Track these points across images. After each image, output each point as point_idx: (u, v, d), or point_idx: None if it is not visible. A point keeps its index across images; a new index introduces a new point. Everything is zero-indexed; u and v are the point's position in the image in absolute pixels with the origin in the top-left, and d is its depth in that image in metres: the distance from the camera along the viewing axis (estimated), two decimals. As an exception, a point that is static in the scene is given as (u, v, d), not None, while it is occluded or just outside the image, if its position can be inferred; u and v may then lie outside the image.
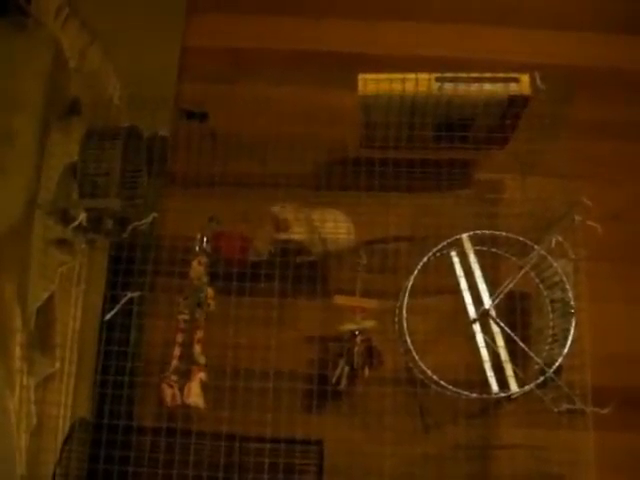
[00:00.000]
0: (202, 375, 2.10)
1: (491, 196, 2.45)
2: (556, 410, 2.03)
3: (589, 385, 2.02)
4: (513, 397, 2.08)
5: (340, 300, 2.19)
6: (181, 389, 2.10)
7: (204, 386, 2.11)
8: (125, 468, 2.01)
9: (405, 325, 2.08)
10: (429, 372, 2.03)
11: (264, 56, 2.74)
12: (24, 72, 2.08)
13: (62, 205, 2.13)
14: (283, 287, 2.21)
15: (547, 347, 2.13)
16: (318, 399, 2.19)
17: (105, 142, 2.17)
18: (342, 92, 2.26)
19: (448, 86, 2.16)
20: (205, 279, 2.18)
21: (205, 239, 2.21)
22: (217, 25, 2.82)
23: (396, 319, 2.13)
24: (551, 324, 2.16)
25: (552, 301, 2.17)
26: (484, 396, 2.05)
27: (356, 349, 2.14)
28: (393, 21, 2.78)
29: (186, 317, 2.16)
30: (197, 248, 2.20)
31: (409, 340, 2.07)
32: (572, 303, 2.07)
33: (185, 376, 2.11)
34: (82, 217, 2.12)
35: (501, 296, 2.13)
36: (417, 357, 2.05)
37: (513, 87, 2.15)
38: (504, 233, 2.16)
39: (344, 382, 2.15)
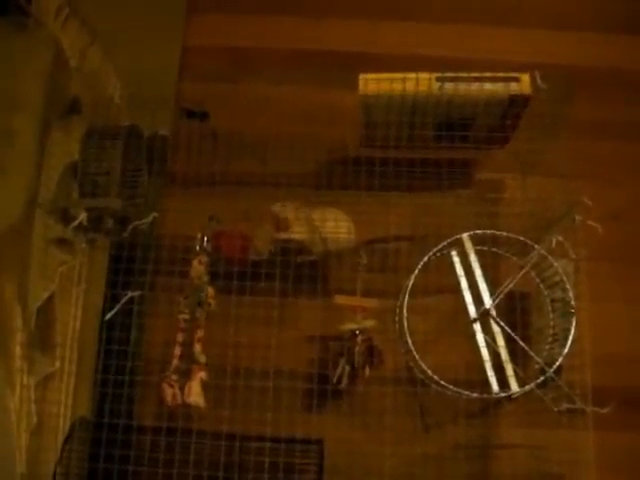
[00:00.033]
0: (202, 374, 2.10)
1: (491, 196, 2.46)
2: (556, 410, 2.03)
3: (589, 385, 2.02)
4: (513, 397, 2.08)
5: (341, 299, 2.19)
6: (181, 388, 2.10)
7: (204, 385, 2.11)
8: (125, 467, 2.01)
9: (405, 324, 2.08)
10: (429, 372, 2.04)
11: (264, 55, 2.75)
12: (24, 72, 2.08)
13: (62, 204, 2.13)
14: (284, 286, 2.20)
15: (547, 347, 2.13)
16: (318, 398, 2.19)
17: (106, 141, 2.17)
18: (343, 92, 2.27)
19: (449, 86, 2.16)
20: (206, 278, 2.18)
21: (205, 238, 2.21)
22: (217, 25, 2.82)
23: (396, 318, 2.13)
24: (551, 324, 2.16)
25: (552, 301, 2.18)
26: (484, 396, 2.05)
27: (357, 348, 2.14)
28: (393, 21, 2.79)
29: (186, 316, 2.16)
30: (197, 247, 2.20)
31: (409, 340, 2.07)
32: (572, 303, 2.07)
33: (185, 375, 2.11)
34: (82, 216, 2.12)
35: (501, 296, 2.13)
36: (417, 356, 2.05)
37: (514, 87, 2.16)
38: (504, 233, 2.17)
39: (345, 381, 2.15)
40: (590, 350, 2.06)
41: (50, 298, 2.07)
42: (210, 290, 2.17)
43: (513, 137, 2.33)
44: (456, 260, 2.19)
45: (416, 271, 2.12)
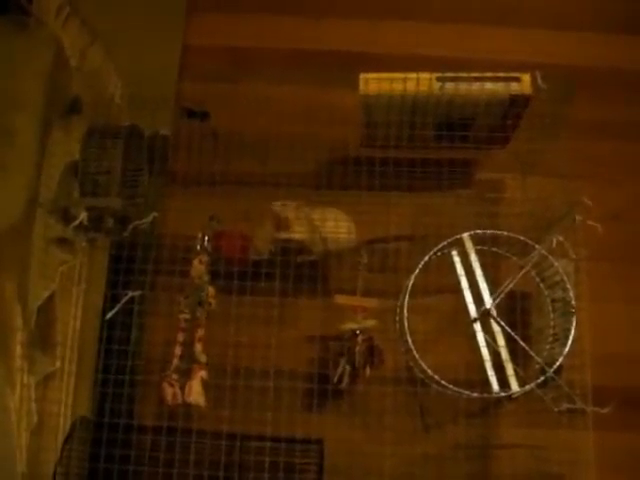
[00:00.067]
0: (203, 374, 2.10)
1: (492, 195, 2.45)
2: (556, 410, 2.03)
3: (589, 385, 2.02)
4: (514, 396, 2.08)
5: (341, 299, 2.19)
6: (182, 388, 2.10)
7: (205, 385, 2.11)
8: (126, 467, 2.01)
9: (406, 324, 2.08)
10: (430, 371, 2.04)
11: (265, 55, 2.75)
12: (25, 71, 2.07)
13: (63, 204, 2.13)
14: (284, 286, 2.20)
15: (548, 346, 2.13)
16: (318, 398, 2.19)
17: (106, 141, 2.18)
18: (343, 91, 2.26)
19: (449, 85, 2.16)
20: (206, 278, 2.18)
21: (206, 238, 2.21)
22: (217, 24, 2.82)
23: (397, 318, 2.13)
24: (552, 323, 2.16)
25: (553, 300, 2.18)
26: (485, 395, 2.05)
27: (357, 348, 2.14)
28: (394, 21, 2.79)
29: (187, 316, 2.16)
30: (198, 247, 2.20)
31: (410, 339, 2.07)
32: (573, 303, 2.07)
33: (186, 375, 2.11)
34: (83, 216, 2.12)
35: (502, 295, 2.13)
36: (418, 356, 2.05)
37: (514, 86, 2.16)
38: (505, 232, 2.17)
39: (345, 381, 2.15)
40: (590, 350, 2.06)
41: (50, 297, 2.07)
42: (210, 290, 2.17)
43: (513, 137, 2.33)
44: (456, 260, 2.19)
45: (416, 271, 2.12)
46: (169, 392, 2.10)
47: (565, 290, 2.09)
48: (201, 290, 2.16)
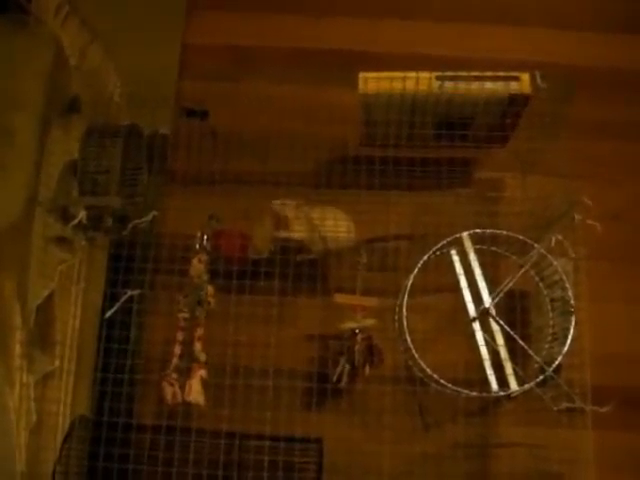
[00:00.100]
0: (202, 372, 2.10)
1: (491, 195, 2.45)
2: (556, 409, 2.03)
3: (589, 384, 2.02)
4: (513, 396, 2.08)
5: (340, 298, 2.19)
6: (181, 387, 2.09)
7: (204, 384, 2.11)
8: (125, 466, 2.01)
9: (405, 323, 2.08)
10: (429, 370, 2.04)
11: (265, 54, 2.74)
12: (24, 70, 2.07)
13: (62, 203, 2.12)
14: (283, 285, 2.20)
15: (547, 346, 2.13)
16: (318, 397, 2.19)
17: (105, 140, 2.17)
18: (342, 90, 2.26)
19: (449, 85, 2.16)
20: (205, 277, 2.18)
21: (205, 237, 2.21)
22: (217, 23, 2.82)
23: (396, 317, 2.13)
24: (551, 323, 2.16)
25: (552, 300, 2.18)
26: (484, 394, 2.05)
27: (357, 347, 2.14)
28: (393, 19, 2.79)
29: (186, 315, 2.16)
30: (197, 246, 2.20)
31: (409, 338, 2.07)
32: (572, 302, 2.07)
33: (185, 374, 2.11)
34: (82, 215, 2.12)
35: (501, 294, 2.13)
36: (417, 355, 2.05)
37: (514, 86, 2.16)
38: (504, 232, 2.17)
39: (345, 380, 2.15)
40: (590, 349, 2.06)
41: (50, 296, 2.07)
42: (210, 289, 2.17)
43: (513, 136, 2.33)
44: (456, 259, 2.19)
45: (416, 270, 2.12)
46: (168, 391, 2.10)
47: (564, 289, 2.09)
48: (200, 289, 2.16)
